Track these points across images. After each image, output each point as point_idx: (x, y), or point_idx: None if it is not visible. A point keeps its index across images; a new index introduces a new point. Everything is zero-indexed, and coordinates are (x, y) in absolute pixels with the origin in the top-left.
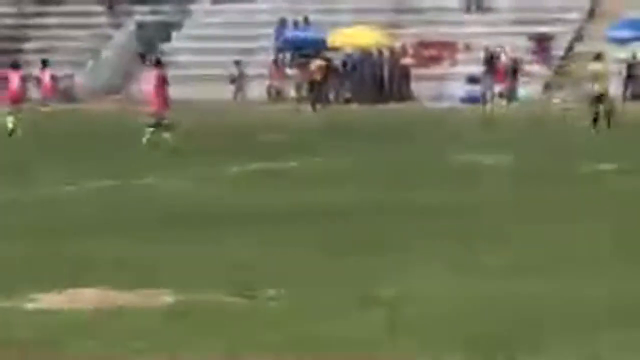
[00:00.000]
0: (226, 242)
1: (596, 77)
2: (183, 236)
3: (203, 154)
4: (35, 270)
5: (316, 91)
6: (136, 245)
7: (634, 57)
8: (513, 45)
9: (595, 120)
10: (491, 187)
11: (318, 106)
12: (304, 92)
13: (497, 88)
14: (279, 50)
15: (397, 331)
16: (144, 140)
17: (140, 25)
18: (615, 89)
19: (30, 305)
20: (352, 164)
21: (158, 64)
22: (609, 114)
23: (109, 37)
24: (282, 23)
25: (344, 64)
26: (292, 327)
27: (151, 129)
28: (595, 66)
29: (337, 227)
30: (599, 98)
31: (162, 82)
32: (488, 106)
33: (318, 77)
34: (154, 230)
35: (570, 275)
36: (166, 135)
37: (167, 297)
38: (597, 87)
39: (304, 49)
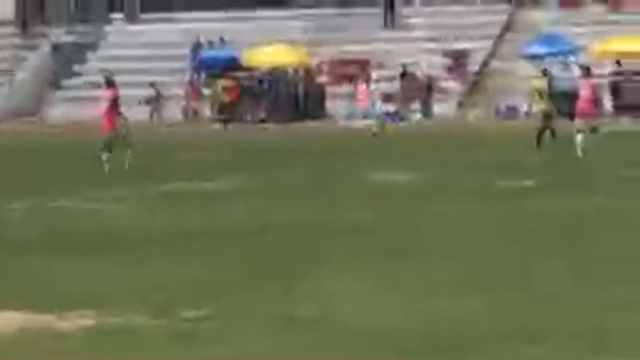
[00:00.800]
0: (144, 263)
1: (540, 94)
2: (100, 257)
3: (120, 174)
4: None
5: (227, 111)
6: (53, 266)
7: (545, 73)
8: (428, 62)
9: (539, 138)
10: (407, 205)
11: (230, 126)
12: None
13: (412, 105)
14: (195, 70)
15: (320, 350)
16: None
17: (55, 47)
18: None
19: None
20: (267, 183)
21: (111, 83)
22: (552, 131)
23: (23, 59)
24: (197, 43)
25: (259, 83)
26: (213, 348)
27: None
28: (538, 83)
29: (255, 246)
30: (546, 115)
31: (115, 101)
32: (404, 123)
33: (227, 97)
34: (70, 252)
35: (484, 291)
36: (108, 155)
37: (86, 319)
38: (542, 105)
39: (218, 69)
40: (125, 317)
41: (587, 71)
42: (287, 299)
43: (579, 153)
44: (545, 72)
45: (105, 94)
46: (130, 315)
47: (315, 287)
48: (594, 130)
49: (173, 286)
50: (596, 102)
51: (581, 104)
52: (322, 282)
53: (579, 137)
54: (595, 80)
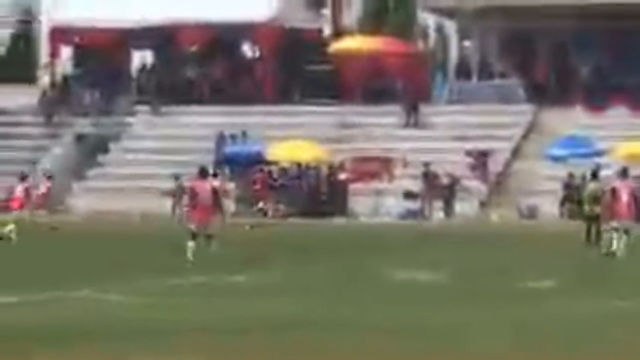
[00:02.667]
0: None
1: (595, 196)
2: (118, 349)
3: (141, 266)
4: None
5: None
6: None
7: (571, 175)
8: (451, 161)
9: (588, 238)
10: (423, 307)
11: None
12: (243, 207)
13: (436, 204)
14: (218, 164)
15: None
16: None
17: (79, 137)
18: (551, 206)
19: None
20: (290, 280)
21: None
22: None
23: (47, 149)
24: (221, 137)
25: (282, 178)
26: None
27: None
28: (594, 186)
29: (275, 340)
30: (596, 218)
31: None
32: (426, 222)
33: (255, 192)
34: (89, 343)
35: None
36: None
37: None
38: (595, 208)
39: (242, 163)
40: None
41: (624, 173)
42: None
43: (618, 253)
44: (595, 175)
45: (205, 185)
46: None
47: None
48: (626, 232)
49: None
50: (636, 204)
51: (620, 206)
52: None
53: (615, 236)
54: (632, 182)
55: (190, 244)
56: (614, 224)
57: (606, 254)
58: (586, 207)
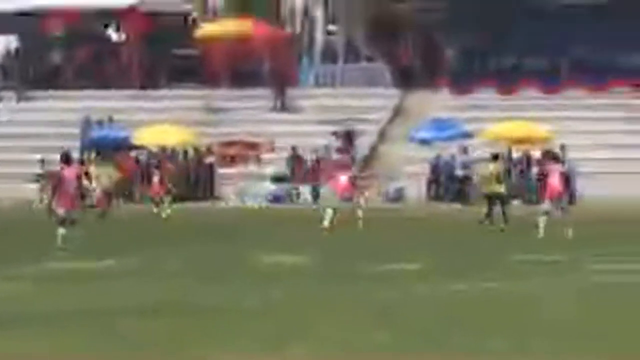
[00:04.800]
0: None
1: (495, 177)
2: None
3: (5, 252)
4: None
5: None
6: None
7: (438, 157)
8: (318, 145)
9: (488, 216)
10: (291, 286)
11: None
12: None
13: (302, 188)
14: (84, 148)
15: None
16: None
17: None
18: (417, 189)
19: None
20: (157, 263)
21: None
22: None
23: None
24: (87, 122)
25: (148, 162)
26: None
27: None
28: (493, 166)
29: (142, 326)
30: (493, 198)
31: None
32: (294, 206)
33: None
34: None
35: None
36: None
37: None
38: (496, 187)
39: (107, 148)
40: None
41: (554, 155)
42: None
43: (541, 234)
44: (497, 156)
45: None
46: None
47: None
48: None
49: None
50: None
51: (553, 187)
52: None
53: (543, 219)
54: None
55: (61, 230)
56: (546, 206)
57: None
58: (490, 187)
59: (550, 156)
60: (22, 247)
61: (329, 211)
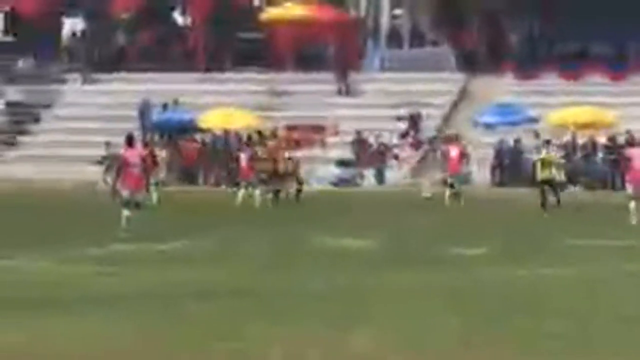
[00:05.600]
0: (87, 325)
1: (547, 163)
2: (48, 319)
3: (66, 234)
4: None
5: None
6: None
7: (502, 142)
8: (382, 129)
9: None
10: (358, 271)
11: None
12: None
13: (368, 171)
14: (146, 131)
15: None
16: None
17: (10, 105)
18: (483, 174)
19: None
20: (222, 247)
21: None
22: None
23: None
24: (146, 105)
25: (213, 146)
26: None
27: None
28: (546, 152)
29: (208, 308)
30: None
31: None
32: (358, 190)
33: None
34: (19, 312)
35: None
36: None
37: None
38: (548, 174)
39: (173, 130)
40: None
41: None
42: None
43: (633, 221)
44: (549, 141)
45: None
46: None
47: (265, 350)
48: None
49: (109, 348)
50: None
51: (636, 173)
52: (272, 345)
53: (633, 205)
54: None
55: (125, 212)
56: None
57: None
58: (543, 173)
59: (631, 140)
60: (85, 228)
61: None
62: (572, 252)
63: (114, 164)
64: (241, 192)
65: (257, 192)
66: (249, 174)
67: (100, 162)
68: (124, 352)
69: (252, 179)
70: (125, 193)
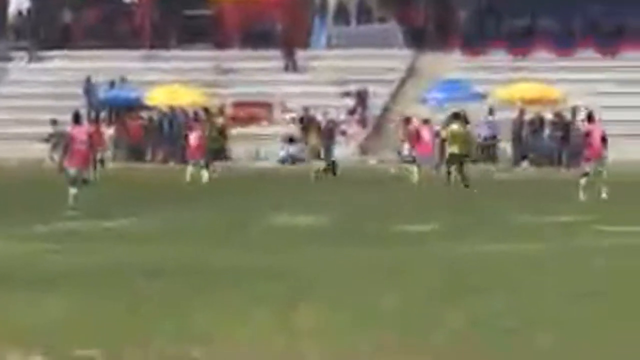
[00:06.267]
0: (38, 302)
1: (454, 137)
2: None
3: (12, 212)
4: None
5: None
6: None
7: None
8: (330, 105)
9: (448, 178)
10: (305, 249)
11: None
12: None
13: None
14: (92, 109)
15: None
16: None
17: None
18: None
19: None
20: (170, 224)
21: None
22: (463, 175)
23: None
24: (89, 82)
25: (160, 123)
26: None
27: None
28: (453, 127)
29: (154, 287)
30: (455, 158)
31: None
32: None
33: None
34: None
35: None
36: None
37: None
38: (454, 148)
39: (120, 107)
40: (16, 356)
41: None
42: (179, 340)
43: (582, 197)
44: (457, 116)
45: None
46: (22, 354)
47: (207, 329)
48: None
49: (67, 325)
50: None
51: (595, 148)
52: (215, 325)
53: (584, 181)
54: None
55: (72, 190)
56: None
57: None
58: (452, 147)
59: (588, 116)
60: (32, 206)
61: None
62: (520, 229)
63: (61, 142)
64: (189, 170)
65: (205, 171)
66: (197, 153)
67: (46, 140)
68: (70, 329)
69: (200, 158)
70: (72, 170)
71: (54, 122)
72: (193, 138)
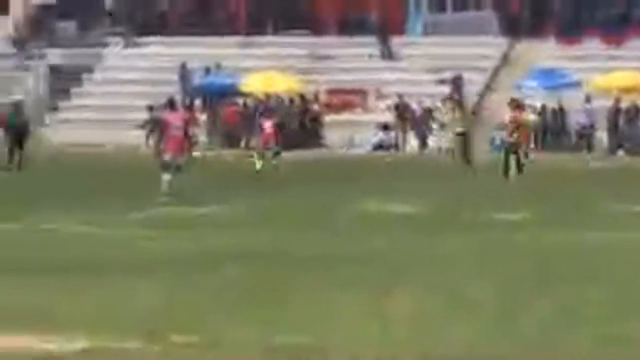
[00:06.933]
0: (135, 288)
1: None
2: (90, 282)
3: (108, 198)
4: None
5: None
6: (41, 290)
7: (544, 107)
8: (425, 93)
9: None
10: (397, 235)
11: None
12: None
13: (410, 136)
14: (187, 95)
15: None
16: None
17: (52, 69)
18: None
19: None
20: (262, 211)
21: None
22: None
23: (20, 81)
24: (184, 68)
25: (255, 109)
26: None
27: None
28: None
29: (249, 273)
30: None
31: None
32: (400, 154)
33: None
34: (61, 275)
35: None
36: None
37: (77, 343)
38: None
39: (214, 94)
40: (116, 340)
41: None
42: (275, 327)
43: None
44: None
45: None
46: (123, 340)
47: (304, 316)
48: None
49: (166, 311)
50: None
51: None
52: (312, 310)
53: None
54: None
55: (165, 176)
56: None
57: None
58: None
59: None
60: (128, 192)
61: None
62: (614, 217)
63: (156, 128)
64: (257, 157)
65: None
66: (270, 141)
67: (142, 126)
68: (167, 314)
69: (271, 145)
70: (166, 156)
71: (150, 108)
72: (267, 127)
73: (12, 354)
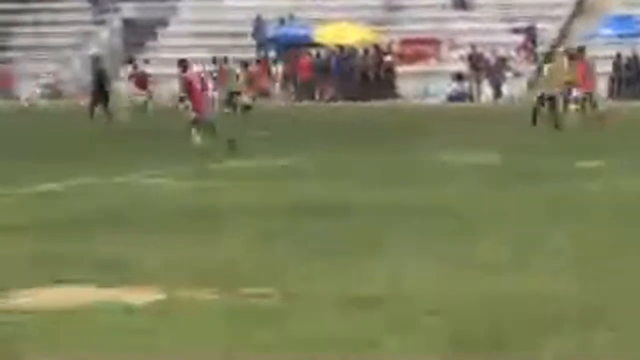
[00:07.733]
0: (214, 240)
1: (550, 76)
2: (168, 234)
3: (189, 151)
4: (18, 267)
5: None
6: (121, 242)
7: (619, 55)
8: (498, 42)
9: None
10: (477, 185)
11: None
12: (291, 89)
13: (484, 85)
14: (260, 47)
15: (391, 330)
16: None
17: (126, 22)
18: (601, 88)
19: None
20: (337, 163)
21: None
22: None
23: (94, 34)
24: (259, 20)
25: (328, 60)
26: (284, 327)
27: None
28: (550, 65)
29: (327, 225)
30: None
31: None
32: (474, 104)
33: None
34: (138, 227)
35: (558, 273)
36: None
37: (152, 295)
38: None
39: (288, 45)
40: (191, 292)
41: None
42: (357, 279)
43: None
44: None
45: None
46: (200, 291)
47: (380, 267)
48: None
49: (244, 263)
50: None
51: None
52: (394, 261)
53: None
54: None
55: (193, 130)
56: None
57: None
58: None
59: None
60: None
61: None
62: None
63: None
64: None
65: None
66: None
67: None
68: (241, 267)
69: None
70: (194, 114)
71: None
72: None
73: (82, 306)
